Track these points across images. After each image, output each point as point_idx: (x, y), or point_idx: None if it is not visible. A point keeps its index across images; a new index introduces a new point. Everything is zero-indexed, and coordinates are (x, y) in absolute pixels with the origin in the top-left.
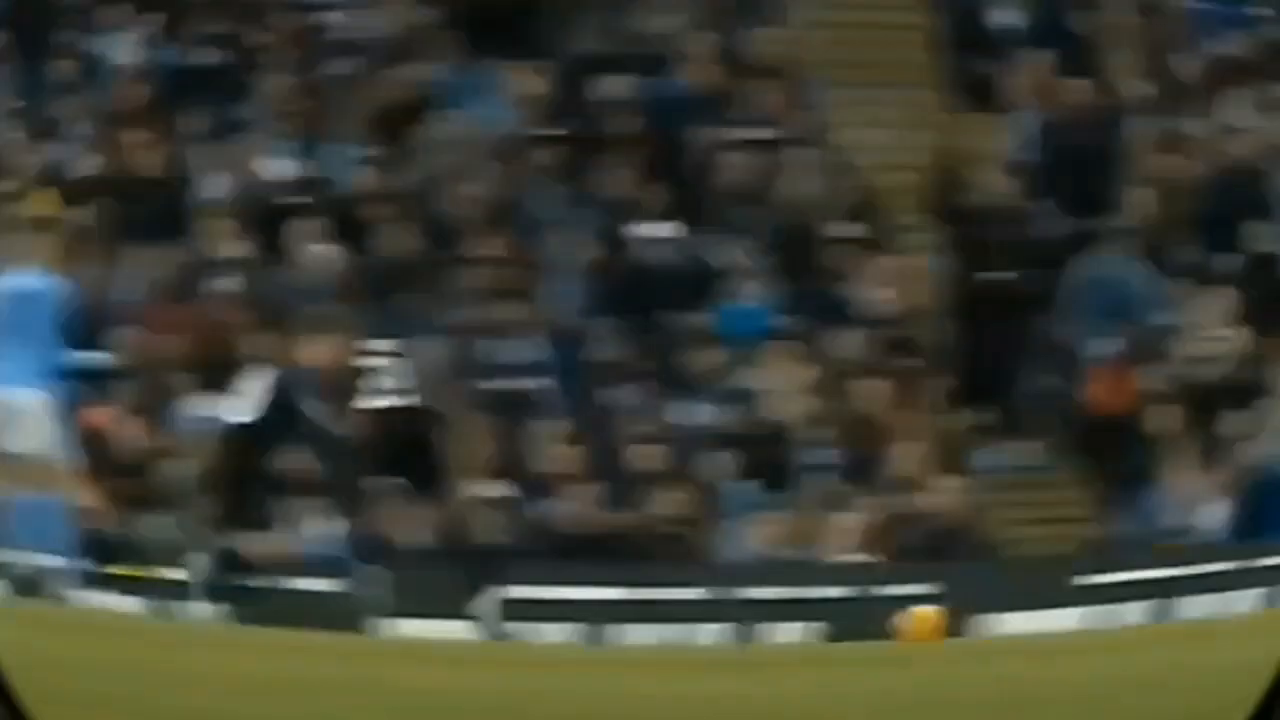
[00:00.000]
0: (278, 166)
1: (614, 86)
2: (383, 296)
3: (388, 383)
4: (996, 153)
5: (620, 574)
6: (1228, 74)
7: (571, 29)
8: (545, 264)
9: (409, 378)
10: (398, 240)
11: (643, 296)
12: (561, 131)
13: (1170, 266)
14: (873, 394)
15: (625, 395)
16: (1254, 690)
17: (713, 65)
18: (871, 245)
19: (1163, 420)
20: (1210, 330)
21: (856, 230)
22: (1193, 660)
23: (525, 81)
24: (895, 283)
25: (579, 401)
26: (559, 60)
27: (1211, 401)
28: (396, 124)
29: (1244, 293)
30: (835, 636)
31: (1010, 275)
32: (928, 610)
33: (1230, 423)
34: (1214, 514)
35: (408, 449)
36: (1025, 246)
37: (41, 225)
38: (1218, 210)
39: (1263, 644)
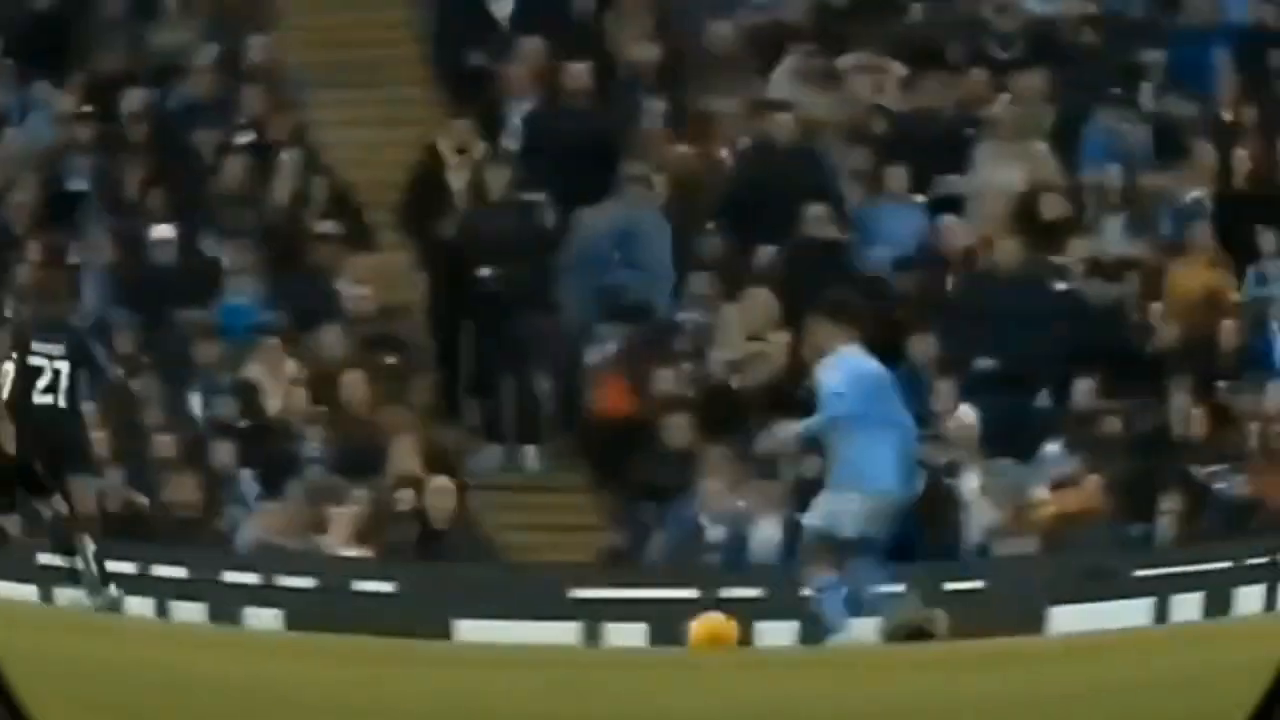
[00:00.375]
0: None
1: (130, 99)
2: None
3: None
4: (487, 147)
5: (129, 551)
6: (768, 43)
7: (100, 48)
8: (81, 264)
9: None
10: None
11: (152, 293)
12: (90, 143)
13: (694, 260)
14: (355, 389)
15: (142, 386)
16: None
17: (214, 74)
18: (351, 242)
19: (680, 428)
20: (745, 330)
21: (336, 228)
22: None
23: (63, 99)
24: (373, 280)
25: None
26: (88, 78)
27: (747, 409)
28: None
29: (793, 286)
30: (295, 625)
31: (497, 272)
32: (714, 618)
33: (773, 433)
34: (764, 533)
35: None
36: (513, 242)
37: None
38: (755, 195)
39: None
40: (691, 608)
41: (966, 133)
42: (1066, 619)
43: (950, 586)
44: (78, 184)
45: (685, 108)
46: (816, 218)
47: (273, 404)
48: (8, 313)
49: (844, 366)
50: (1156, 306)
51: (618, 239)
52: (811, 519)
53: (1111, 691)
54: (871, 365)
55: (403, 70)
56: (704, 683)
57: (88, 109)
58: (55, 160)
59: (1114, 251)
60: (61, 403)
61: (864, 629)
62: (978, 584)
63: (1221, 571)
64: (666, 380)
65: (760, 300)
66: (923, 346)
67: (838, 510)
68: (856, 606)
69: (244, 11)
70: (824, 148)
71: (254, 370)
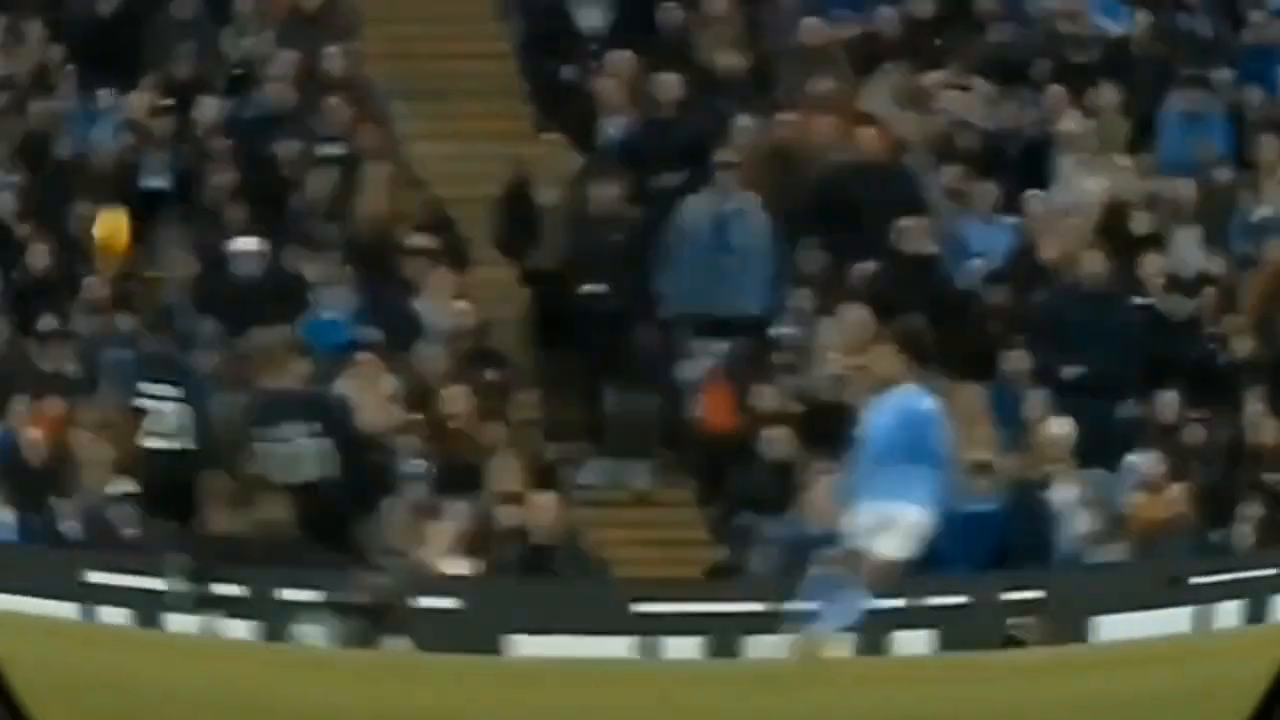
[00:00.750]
0: None
1: (207, 108)
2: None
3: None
4: (580, 159)
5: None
6: (860, 57)
7: (173, 54)
8: (161, 278)
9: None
10: (39, 257)
11: (236, 309)
12: (166, 145)
13: (794, 274)
14: (456, 405)
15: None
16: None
17: (293, 83)
18: (445, 257)
19: (783, 442)
20: (844, 345)
21: (429, 242)
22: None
23: (133, 107)
24: (470, 295)
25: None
26: (161, 85)
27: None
28: (35, 152)
29: (887, 301)
30: (348, 641)
31: (599, 286)
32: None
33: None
34: None
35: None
36: (613, 256)
37: None
38: (846, 209)
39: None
40: (756, 621)
41: (1049, 148)
42: (1153, 625)
43: (1040, 595)
44: (155, 184)
45: (775, 118)
46: (909, 232)
47: (368, 421)
48: (74, 326)
49: (886, 408)
50: (1230, 320)
51: (714, 226)
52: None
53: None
54: (916, 405)
55: (494, 83)
56: (766, 696)
57: (166, 103)
58: (127, 167)
59: (1190, 266)
60: (180, 445)
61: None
62: (1067, 592)
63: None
64: (768, 395)
65: (857, 315)
66: (1015, 359)
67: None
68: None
69: (322, 20)
70: (914, 163)
71: (347, 386)
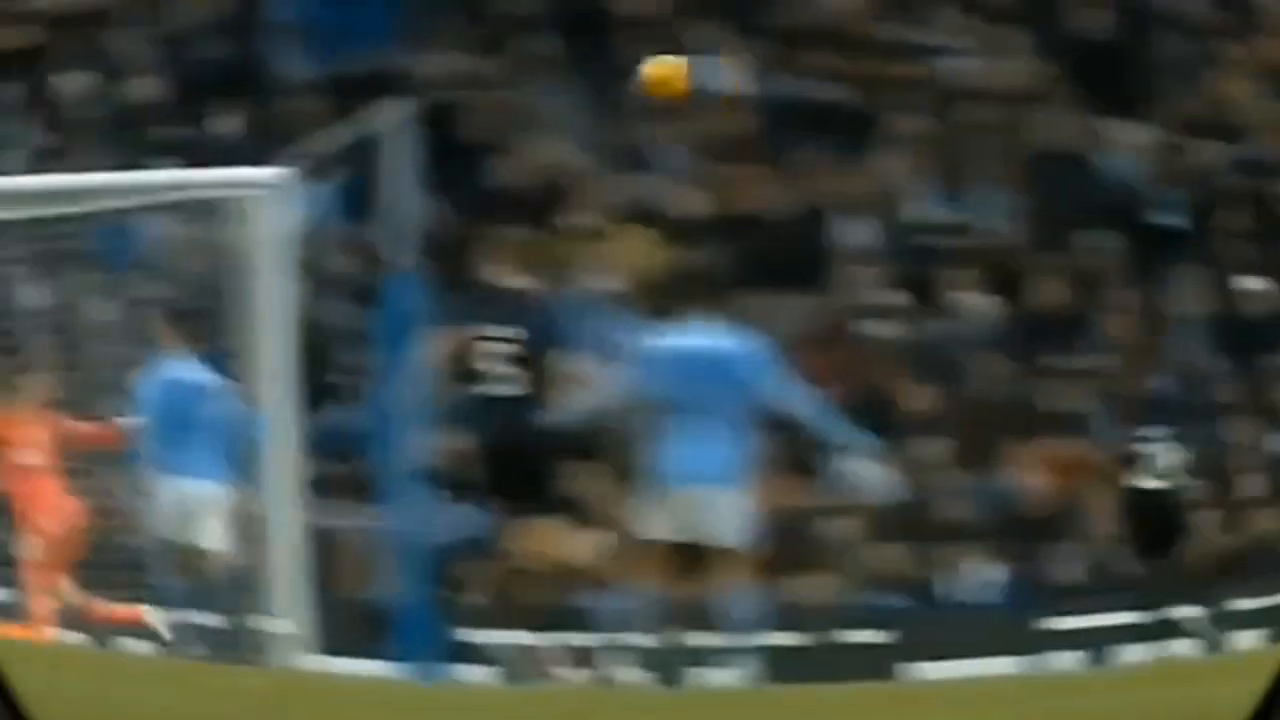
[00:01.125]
0: (922, 211)
1: (1216, 152)
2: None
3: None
4: None
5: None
6: None
7: (1165, 90)
8: (1171, 314)
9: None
10: (1050, 292)
11: (1247, 343)
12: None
13: None
14: None
15: (1236, 430)
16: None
17: None
18: None
19: None
20: None
21: None
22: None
23: (1137, 139)
24: None
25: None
26: (1161, 121)
27: None
28: (1048, 175)
29: None
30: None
31: None
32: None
33: None
34: None
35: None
36: None
37: (644, 268)
38: None
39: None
40: None
41: None
42: None
43: None
44: (1165, 221)
45: None
46: None
47: None
48: (1087, 364)
49: None
50: None
51: None
52: None
53: None
54: None
55: None
56: None
57: (1174, 140)
58: (1137, 200)
59: None
60: (1167, 485)
61: None
62: None
63: None
64: None
65: None
66: None
67: None
68: None
69: None
70: None
71: None
